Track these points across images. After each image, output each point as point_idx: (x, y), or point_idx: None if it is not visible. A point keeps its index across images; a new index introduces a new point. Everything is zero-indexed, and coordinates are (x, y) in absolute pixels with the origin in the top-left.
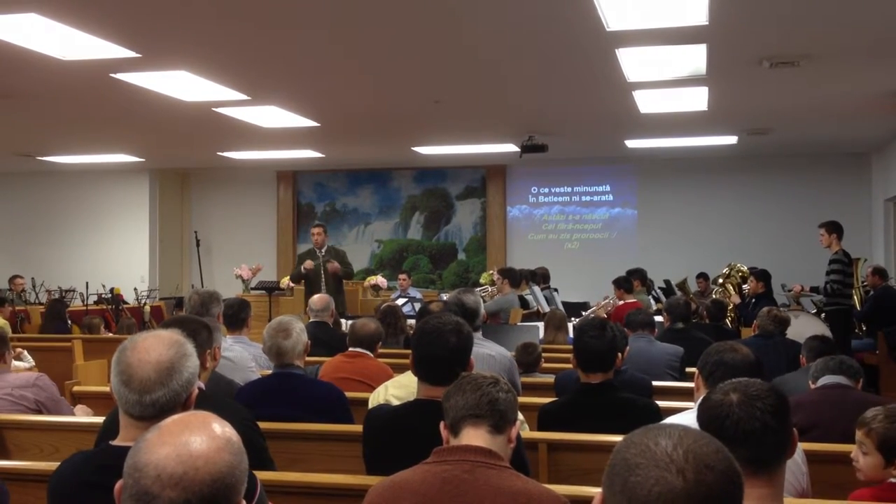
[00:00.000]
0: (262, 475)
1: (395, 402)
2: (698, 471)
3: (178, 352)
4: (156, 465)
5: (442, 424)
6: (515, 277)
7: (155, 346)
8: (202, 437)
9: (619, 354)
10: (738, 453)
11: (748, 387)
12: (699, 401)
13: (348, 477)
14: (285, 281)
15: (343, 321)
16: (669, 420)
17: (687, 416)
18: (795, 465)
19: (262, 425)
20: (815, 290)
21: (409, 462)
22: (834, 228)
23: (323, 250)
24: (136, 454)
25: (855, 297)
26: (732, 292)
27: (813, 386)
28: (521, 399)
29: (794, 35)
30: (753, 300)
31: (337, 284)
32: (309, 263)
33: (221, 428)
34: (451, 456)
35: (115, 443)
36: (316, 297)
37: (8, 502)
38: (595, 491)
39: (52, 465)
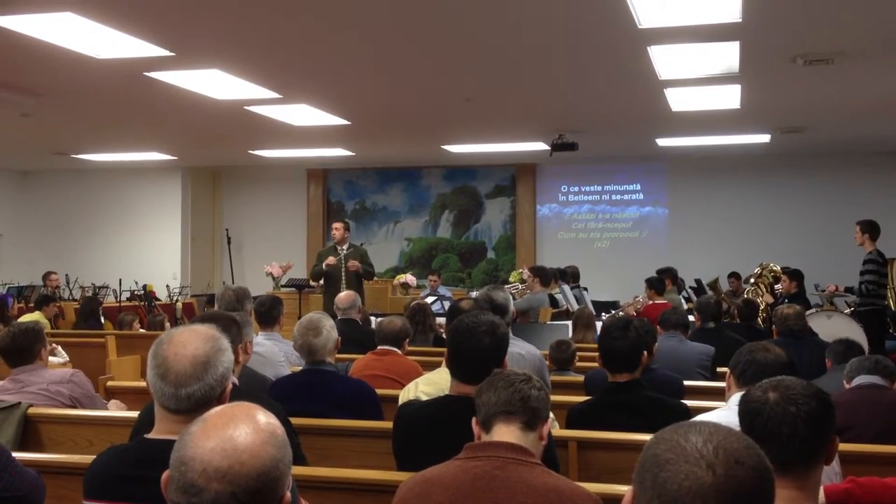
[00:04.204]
0: (294, 470)
1: (425, 399)
2: (728, 466)
3: (213, 346)
4: (201, 458)
5: (474, 420)
6: (546, 276)
7: (191, 341)
8: (247, 431)
9: (645, 353)
10: (764, 452)
11: (789, 388)
12: (730, 399)
13: (379, 472)
14: None
15: (373, 318)
16: (698, 419)
17: (715, 415)
18: (829, 467)
19: (294, 421)
20: (849, 290)
21: (439, 458)
22: (868, 228)
23: (344, 247)
24: (182, 447)
25: (890, 298)
26: (764, 292)
27: (848, 386)
28: (552, 397)
29: (828, 32)
30: (786, 300)
31: (357, 283)
32: (331, 259)
33: (266, 420)
34: (482, 452)
35: (150, 436)
36: (342, 294)
37: (44, 495)
38: (625, 489)
39: (87, 459)
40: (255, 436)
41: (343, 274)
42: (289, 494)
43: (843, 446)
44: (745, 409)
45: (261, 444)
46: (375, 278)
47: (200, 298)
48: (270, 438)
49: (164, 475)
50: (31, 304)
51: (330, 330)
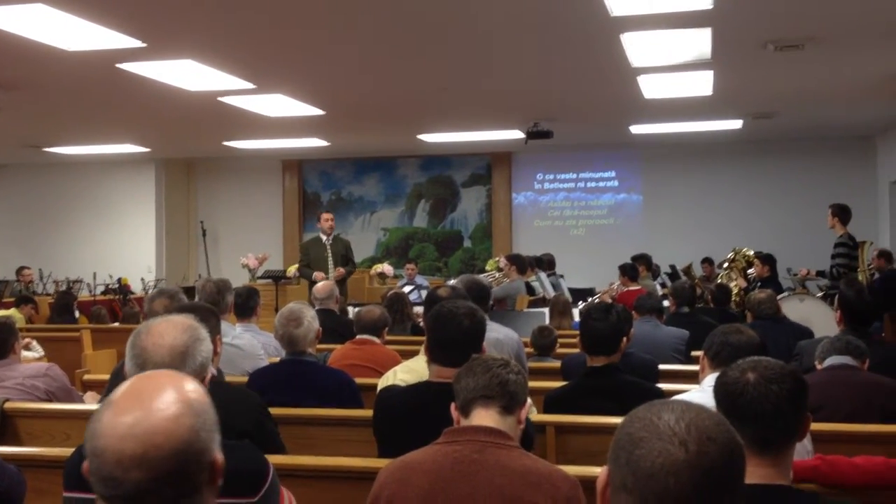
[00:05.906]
0: (273, 459)
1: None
2: (700, 442)
3: (191, 336)
4: (114, 448)
5: (453, 405)
6: (523, 264)
7: (169, 331)
8: (157, 407)
9: (625, 338)
10: (745, 431)
11: (767, 368)
12: (704, 380)
13: (359, 460)
14: (292, 269)
15: (350, 308)
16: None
17: (689, 396)
18: (801, 445)
19: (274, 411)
20: (821, 273)
21: (420, 443)
22: (838, 212)
23: (330, 237)
24: (93, 437)
25: (861, 280)
26: (738, 276)
27: (819, 366)
28: (531, 384)
29: (799, 18)
30: (759, 284)
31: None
32: (319, 276)
33: (177, 388)
34: (461, 436)
35: None
36: (319, 285)
37: (25, 490)
38: (601, 470)
39: (65, 452)
40: (167, 411)
41: (329, 264)
42: (219, 455)
43: (815, 425)
44: (724, 391)
45: (174, 418)
46: None
47: None
48: (185, 409)
49: (84, 465)
50: (5, 300)
51: (311, 321)
